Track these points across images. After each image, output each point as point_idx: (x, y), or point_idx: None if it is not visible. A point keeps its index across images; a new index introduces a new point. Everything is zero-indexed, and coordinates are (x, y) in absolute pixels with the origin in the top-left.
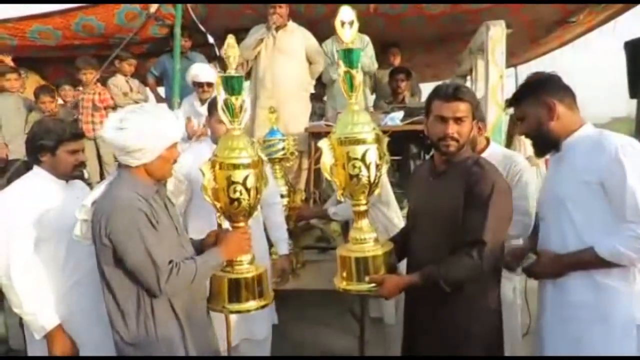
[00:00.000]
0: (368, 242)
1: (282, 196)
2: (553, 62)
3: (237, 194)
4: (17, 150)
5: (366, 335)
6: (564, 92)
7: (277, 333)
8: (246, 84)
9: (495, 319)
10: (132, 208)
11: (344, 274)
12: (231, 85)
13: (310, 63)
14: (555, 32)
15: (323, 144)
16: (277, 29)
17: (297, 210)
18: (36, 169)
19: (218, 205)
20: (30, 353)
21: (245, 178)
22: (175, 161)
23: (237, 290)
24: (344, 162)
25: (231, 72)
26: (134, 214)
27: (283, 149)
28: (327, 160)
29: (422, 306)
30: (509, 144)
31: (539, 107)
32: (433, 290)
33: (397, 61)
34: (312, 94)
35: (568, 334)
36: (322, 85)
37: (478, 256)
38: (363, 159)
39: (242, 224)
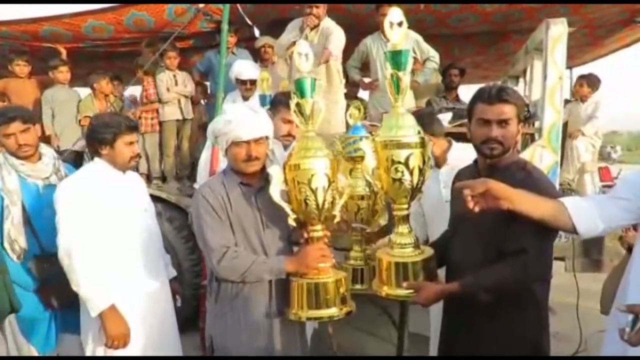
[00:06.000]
0: (408, 247)
1: (362, 198)
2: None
3: (304, 194)
4: (69, 141)
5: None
6: None
7: (315, 332)
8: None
9: (539, 335)
10: (198, 195)
11: (383, 278)
12: (303, 88)
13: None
14: (619, 33)
15: (365, 146)
16: (311, 29)
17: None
18: (97, 160)
19: (290, 207)
20: (82, 332)
21: (311, 177)
22: (247, 158)
23: (316, 295)
24: (386, 165)
25: (303, 74)
26: (198, 199)
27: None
28: (369, 162)
29: (460, 316)
30: (562, 148)
31: None
32: (472, 300)
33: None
34: (346, 94)
35: None
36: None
37: (521, 266)
38: (406, 163)
39: (319, 232)
